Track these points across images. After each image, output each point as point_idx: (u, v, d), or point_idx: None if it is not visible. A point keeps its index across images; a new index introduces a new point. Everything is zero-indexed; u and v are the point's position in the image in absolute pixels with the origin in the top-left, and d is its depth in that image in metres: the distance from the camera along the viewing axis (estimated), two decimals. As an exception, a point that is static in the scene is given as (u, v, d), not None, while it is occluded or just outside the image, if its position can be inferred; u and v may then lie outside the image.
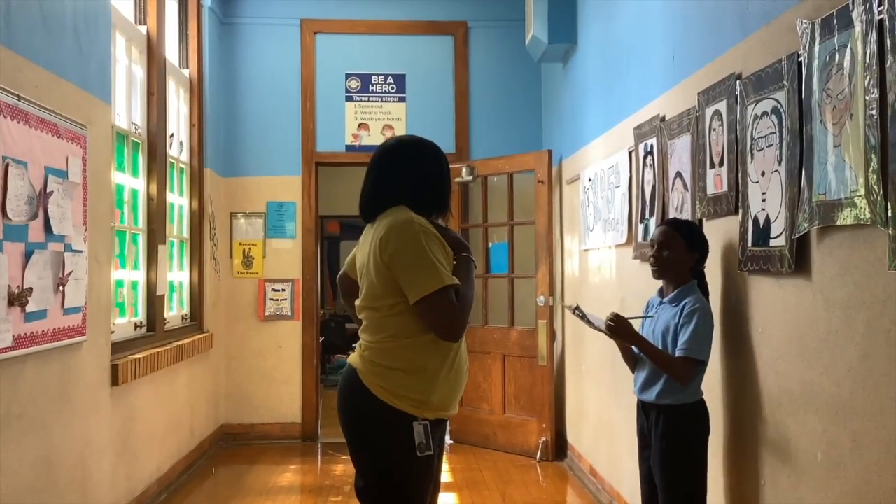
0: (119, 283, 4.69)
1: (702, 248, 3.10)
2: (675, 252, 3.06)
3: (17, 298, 3.10)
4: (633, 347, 3.22)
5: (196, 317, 6.10)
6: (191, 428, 5.81)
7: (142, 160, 5.08)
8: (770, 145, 2.68)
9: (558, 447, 6.13)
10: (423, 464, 2.47)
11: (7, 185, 3.02)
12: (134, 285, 4.97)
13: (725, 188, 3.06)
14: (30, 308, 3.20)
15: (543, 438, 6.08)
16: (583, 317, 3.20)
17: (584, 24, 5.62)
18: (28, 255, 3.19)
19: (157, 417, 5.01)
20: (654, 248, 3.12)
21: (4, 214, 3.01)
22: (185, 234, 6.05)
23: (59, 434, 3.57)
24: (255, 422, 6.79)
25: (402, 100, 7.02)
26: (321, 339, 7.48)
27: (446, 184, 2.72)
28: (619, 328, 3.09)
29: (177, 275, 5.87)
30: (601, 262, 5.04)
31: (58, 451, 3.55)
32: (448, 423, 2.82)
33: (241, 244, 6.86)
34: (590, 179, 5.29)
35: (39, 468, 3.38)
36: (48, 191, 3.36)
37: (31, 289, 3.20)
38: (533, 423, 6.17)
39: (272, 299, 6.84)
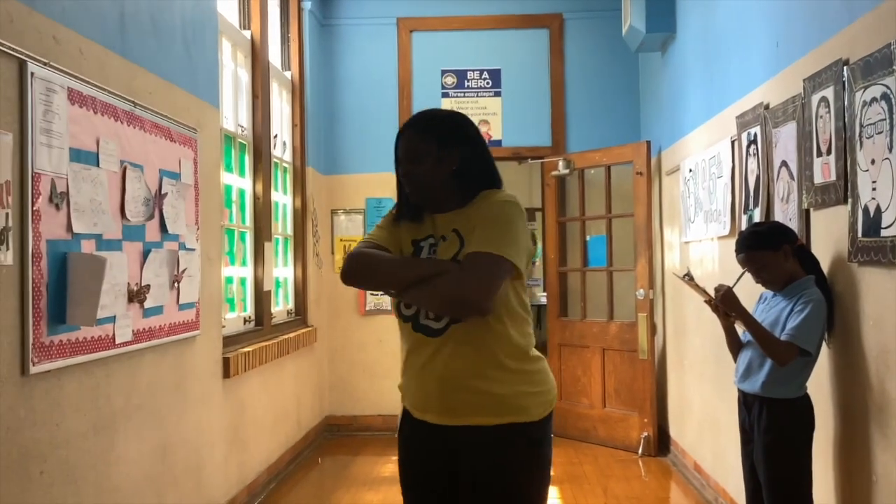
0: (229, 280, 4.87)
1: (782, 237, 3.06)
2: (769, 265, 3.05)
3: (136, 295, 3.27)
4: (738, 332, 3.18)
5: (300, 311, 6.28)
6: (297, 419, 5.99)
7: (248, 161, 5.26)
8: (880, 132, 2.60)
9: (660, 442, 6.05)
10: (399, 444, 2.42)
11: (125, 187, 3.19)
12: (242, 281, 5.16)
13: (833, 177, 2.97)
14: (148, 304, 3.37)
15: (645, 433, 6.01)
16: (691, 280, 3.26)
17: (682, 11, 5.53)
18: (146, 254, 3.36)
19: (265, 408, 5.19)
20: (753, 275, 3.14)
21: (123, 216, 3.18)
22: (290, 231, 6.24)
23: (175, 424, 3.74)
24: (358, 413, 6.94)
25: (497, 94, 7.04)
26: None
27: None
28: (725, 297, 3.11)
29: (282, 271, 6.05)
30: (703, 255, 4.95)
31: (174, 441, 3.72)
32: (452, 435, 2.24)
33: (341, 240, 7.01)
34: (690, 170, 5.20)
35: (157, 457, 3.56)
36: (163, 192, 3.52)
37: (148, 286, 3.37)
38: (634, 418, 6.11)
39: (373, 294, 6.97)
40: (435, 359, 2.22)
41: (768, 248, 3.04)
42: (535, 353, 2.29)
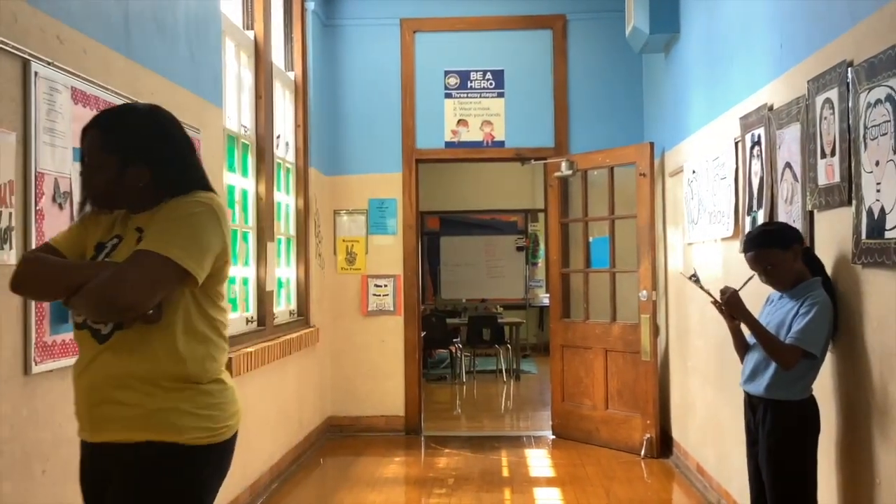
0: (231, 280, 4.87)
1: (794, 237, 3.06)
2: (779, 264, 3.03)
3: (139, 295, 3.26)
4: (745, 335, 3.18)
5: (303, 312, 6.28)
6: (300, 419, 5.99)
7: (251, 161, 5.26)
8: (884, 134, 2.59)
9: (663, 444, 6.04)
10: None
11: (129, 187, 3.18)
12: (245, 281, 5.16)
13: (837, 179, 2.97)
14: (150, 304, 3.36)
15: (648, 435, 6.00)
16: (697, 281, 3.24)
17: (686, 12, 5.52)
18: (148, 254, 3.35)
19: (268, 409, 5.19)
20: (759, 274, 3.11)
21: (127, 215, 3.17)
22: (292, 231, 6.24)
23: (178, 424, 3.73)
24: (360, 414, 6.93)
25: (500, 95, 7.03)
26: (422, 333, 7.58)
27: None
28: (731, 300, 3.09)
29: (284, 271, 6.05)
30: (706, 256, 4.94)
31: (177, 441, 3.71)
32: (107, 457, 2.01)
33: (344, 241, 7.01)
34: (693, 171, 5.19)
35: (160, 456, 3.55)
36: (166, 192, 3.52)
37: (151, 286, 3.36)
38: (637, 419, 6.10)
39: (375, 295, 6.97)
40: (90, 367, 2.00)
41: (779, 246, 3.03)
42: (218, 378, 2.06)
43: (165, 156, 2.07)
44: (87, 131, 2.06)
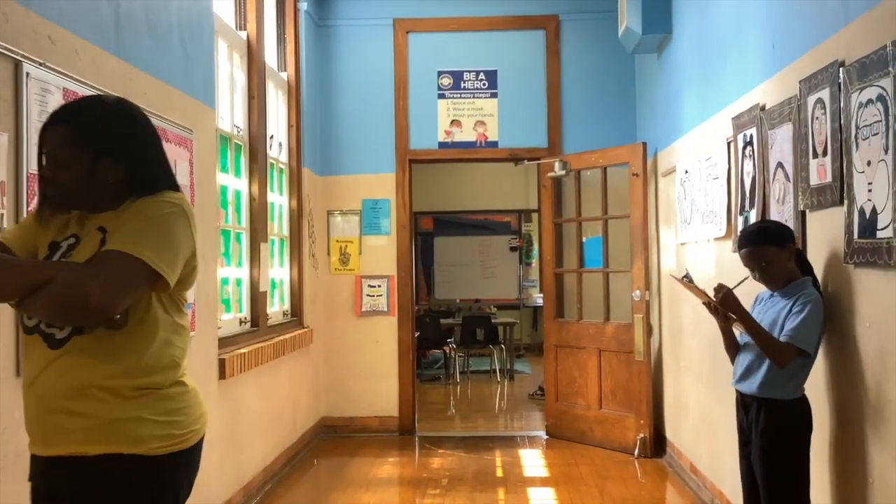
0: (224, 281, 4.86)
1: (789, 236, 3.07)
2: (775, 261, 3.04)
3: (132, 296, 3.25)
4: (736, 334, 3.18)
5: (296, 312, 6.27)
6: (293, 420, 5.98)
7: (244, 162, 5.25)
8: (876, 134, 2.60)
9: (657, 443, 6.05)
10: None
11: (121, 188, 3.17)
12: (238, 282, 5.15)
13: (829, 178, 2.98)
14: (143, 305, 3.35)
15: (641, 434, 6.01)
16: (690, 281, 3.22)
17: (678, 12, 5.53)
18: (141, 255, 3.34)
19: (261, 410, 5.18)
20: (754, 272, 3.10)
21: (119, 216, 3.16)
22: (285, 232, 6.23)
23: (171, 425, 3.72)
24: (354, 415, 6.93)
25: (493, 95, 7.03)
26: (416, 334, 7.58)
27: None
28: (726, 297, 3.08)
29: (278, 272, 6.04)
30: (699, 256, 4.95)
31: (170, 442, 3.70)
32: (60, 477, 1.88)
33: (337, 241, 7.01)
34: (686, 171, 5.20)
35: (154, 458, 3.54)
36: (158, 193, 3.51)
37: (144, 287, 3.34)
38: (630, 419, 6.11)
39: (368, 295, 6.96)
40: (43, 375, 1.84)
41: (775, 243, 3.04)
42: (180, 381, 1.95)
43: (138, 152, 1.95)
44: (48, 127, 1.91)
